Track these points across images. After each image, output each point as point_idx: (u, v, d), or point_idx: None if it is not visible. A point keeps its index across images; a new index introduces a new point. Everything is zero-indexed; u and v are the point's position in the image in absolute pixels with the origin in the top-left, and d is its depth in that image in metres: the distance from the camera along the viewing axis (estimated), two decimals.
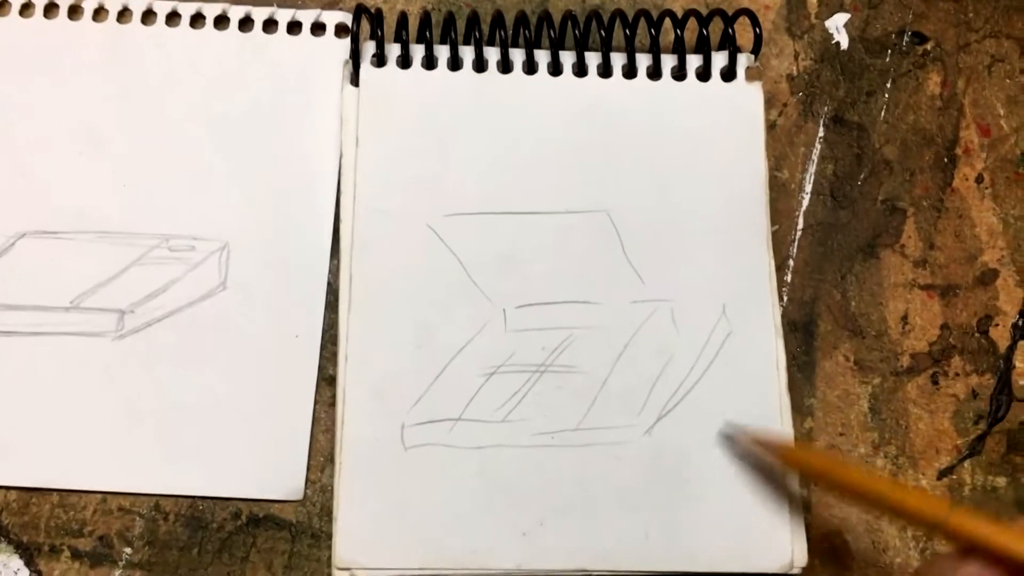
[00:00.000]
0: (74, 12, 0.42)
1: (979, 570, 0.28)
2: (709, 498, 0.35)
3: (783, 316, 0.39)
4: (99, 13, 0.42)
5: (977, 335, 0.40)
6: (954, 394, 0.39)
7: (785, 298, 0.40)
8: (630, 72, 0.40)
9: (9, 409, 0.36)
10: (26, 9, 0.41)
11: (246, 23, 0.42)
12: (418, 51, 0.40)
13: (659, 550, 0.35)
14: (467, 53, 0.40)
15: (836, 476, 0.33)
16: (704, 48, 0.40)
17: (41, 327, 0.37)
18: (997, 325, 0.40)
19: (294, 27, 0.42)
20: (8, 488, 0.36)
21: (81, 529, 0.36)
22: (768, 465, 0.36)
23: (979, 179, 0.42)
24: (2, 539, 0.35)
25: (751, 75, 0.41)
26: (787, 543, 0.35)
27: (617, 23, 0.40)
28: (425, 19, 0.40)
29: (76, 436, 0.36)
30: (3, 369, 0.37)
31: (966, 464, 0.38)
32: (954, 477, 0.38)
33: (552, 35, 0.40)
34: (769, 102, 0.42)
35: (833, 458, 0.34)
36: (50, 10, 0.41)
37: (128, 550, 0.35)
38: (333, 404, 0.37)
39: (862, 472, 0.33)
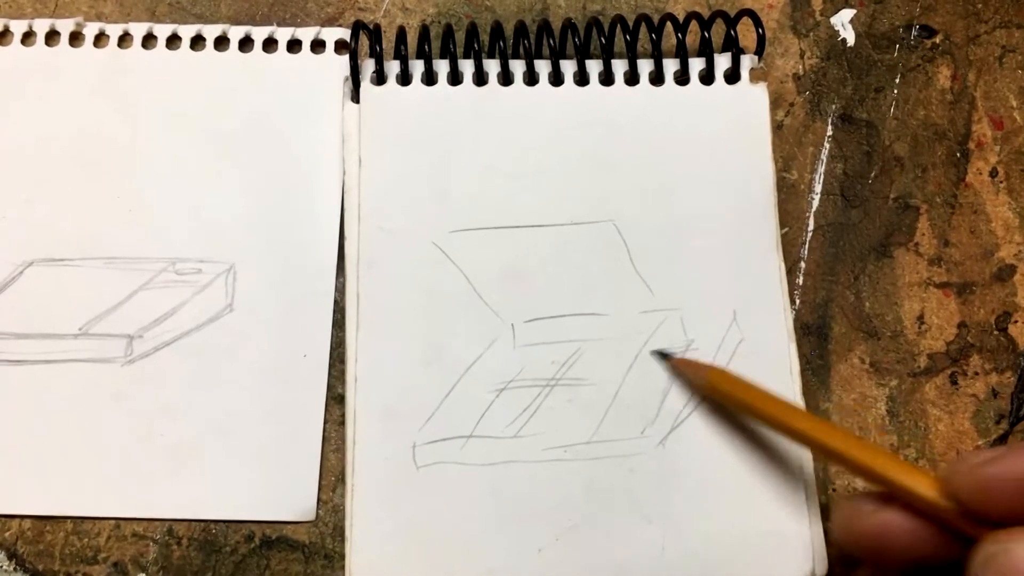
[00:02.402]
0: (75, 39, 0.42)
1: (897, 517, 0.28)
2: (725, 508, 0.35)
3: (796, 319, 0.39)
4: (100, 39, 0.42)
5: (995, 333, 0.39)
6: (974, 394, 0.38)
7: (797, 301, 0.39)
8: (632, 79, 0.40)
9: (20, 438, 0.36)
10: (28, 37, 0.42)
11: (246, 43, 0.42)
12: (418, 67, 0.40)
13: (676, 563, 0.34)
14: (467, 67, 0.40)
15: (747, 403, 0.33)
16: (707, 51, 0.40)
17: (50, 355, 0.37)
18: (1016, 322, 0.39)
19: (294, 45, 0.42)
20: (22, 517, 0.36)
21: (95, 556, 0.36)
22: (695, 388, 0.36)
23: (993, 173, 0.41)
24: (17, 568, 0.36)
25: (755, 76, 0.40)
26: (807, 551, 0.35)
27: (618, 29, 0.39)
28: (424, 33, 0.39)
29: (88, 463, 0.36)
30: (14, 398, 0.37)
31: None
32: None
33: (552, 44, 0.39)
34: (775, 102, 0.42)
35: (746, 384, 0.34)
36: (51, 37, 0.42)
37: (143, 575, 0.35)
38: (343, 423, 0.37)
39: (771, 399, 0.33)
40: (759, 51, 0.40)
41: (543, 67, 0.40)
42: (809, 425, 0.31)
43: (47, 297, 0.38)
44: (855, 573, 0.33)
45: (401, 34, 0.39)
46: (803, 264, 0.40)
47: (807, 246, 0.40)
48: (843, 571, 0.35)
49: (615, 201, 0.38)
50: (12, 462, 0.36)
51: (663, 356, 0.36)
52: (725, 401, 0.35)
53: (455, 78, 0.40)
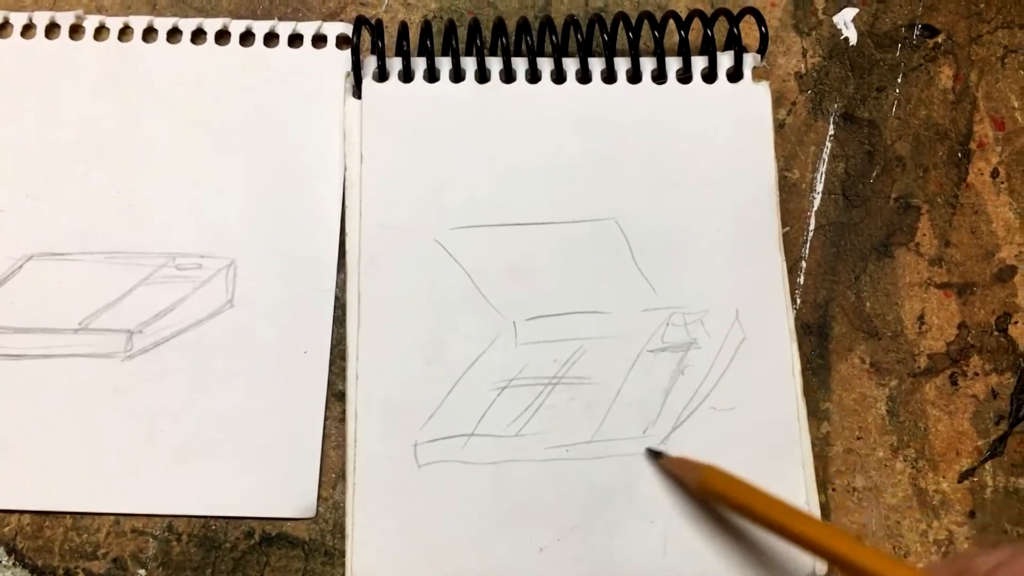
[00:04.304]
0: (75, 32, 0.41)
1: None
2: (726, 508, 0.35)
3: (796, 319, 0.39)
4: (100, 32, 0.41)
5: (996, 333, 0.39)
6: (973, 394, 0.39)
7: (798, 300, 0.39)
8: (634, 76, 0.40)
9: (20, 433, 0.36)
10: (28, 30, 0.41)
11: (247, 37, 0.42)
12: (420, 63, 0.39)
13: (678, 562, 0.34)
14: (469, 64, 0.39)
15: (745, 504, 0.32)
16: (709, 49, 0.40)
17: (50, 350, 0.37)
18: (1016, 323, 0.39)
19: (295, 40, 0.42)
20: (21, 512, 0.36)
21: (95, 552, 0.36)
22: (686, 487, 0.35)
23: (994, 173, 0.41)
24: (17, 563, 0.35)
25: (758, 75, 0.40)
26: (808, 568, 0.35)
27: (620, 27, 0.39)
28: (426, 28, 0.39)
29: (87, 458, 0.36)
30: (13, 393, 0.37)
31: (987, 466, 0.38)
32: (975, 479, 0.38)
33: (555, 41, 0.39)
34: (778, 101, 0.42)
35: (743, 485, 0.32)
36: (51, 30, 0.41)
37: (142, 572, 0.35)
38: (343, 420, 0.37)
39: (770, 501, 0.31)
40: (762, 49, 0.40)
41: (545, 65, 0.40)
42: (812, 530, 0.29)
43: (47, 291, 0.38)
44: None
45: (403, 30, 0.39)
46: (804, 263, 0.40)
47: (808, 245, 0.40)
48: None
49: (617, 199, 0.38)
50: (11, 457, 0.36)
51: (654, 455, 0.35)
52: (719, 501, 0.34)
53: (457, 75, 0.39)
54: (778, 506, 0.31)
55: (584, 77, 0.40)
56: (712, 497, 0.34)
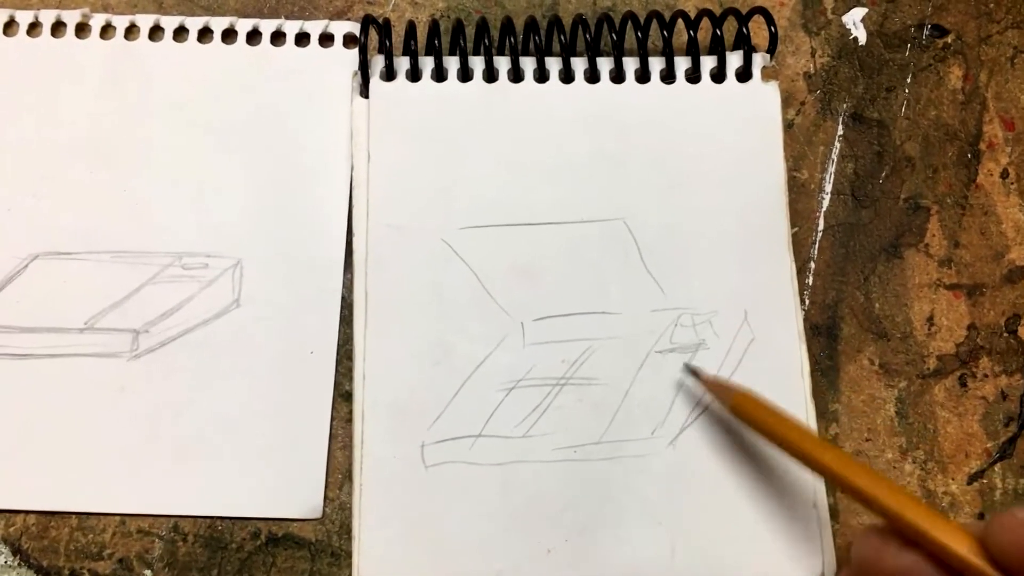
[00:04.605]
0: (81, 30, 0.41)
1: (921, 563, 0.26)
2: (736, 510, 0.35)
3: (805, 320, 0.39)
4: (106, 30, 0.41)
5: (1005, 335, 0.39)
6: (983, 396, 0.38)
7: (807, 301, 0.39)
8: (643, 76, 0.40)
9: (25, 432, 0.36)
10: (33, 28, 0.41)
11: (254, 36, 0.42)
12: (427, 63, 0.39)
13: (686, 564, 0.34)
14: (477, 63, 0.39)
15: (772, 430, 0.32)
16: (718, 49, 0.40)
17: (56, 349, 0.37)
18: None
19: (302, 39, 0.42)
20: (27, 512, 0.36)
21: (101, 552, 0.35)
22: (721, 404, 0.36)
23: (1004, 174, 0.41)
24: (22, 564, 0.35)
25: (767, 74, 0.40)
26: (816, 552, 0.35)
27: (628, 26, 0.39)
28: (433, 28, 0.39)
29: (93, 458, 0.36)
30: (19, 392, 0.37)
31: (997, 468, 0.38)
32: (984, 481, 0.37)
33: (563, 40, 0.39)
34: (786, 101, 0.42)
35: (773, 412, 0.33)
36: (57, 28, 0.41)
37: (148, 572, 0.35)
38: (350, 420, 0.36)
39: (801, 432, 0.32)
40: (771, 49, 0.40)
41: (553, 64, 0.39)
42: (838, 462, 0.30)
43: (52, 291, 0.38)
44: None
45: (411, 29, 0.39)
46: (813, 264, 0.40)
47: (817, 246, 0.40)
48: None
49: (625, 199, 0.38)
50: (17, 457, 0.36)
51: (692, 372, 0.36)
52: (751, 425, 0.34)
53: (465, 74, 0.39)
54: (805, 435, 0.32)
55: (592, 77, 0.39)
56: (744, 419, 0.34)
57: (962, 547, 0.26)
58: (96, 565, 0.35)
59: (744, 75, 0.40)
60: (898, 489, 0.28)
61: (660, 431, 0.36)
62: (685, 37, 0.40)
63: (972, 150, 0.41)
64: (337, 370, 0.37)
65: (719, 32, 0.39)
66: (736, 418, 0.35)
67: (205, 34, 0.41)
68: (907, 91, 0.42)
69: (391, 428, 0.35)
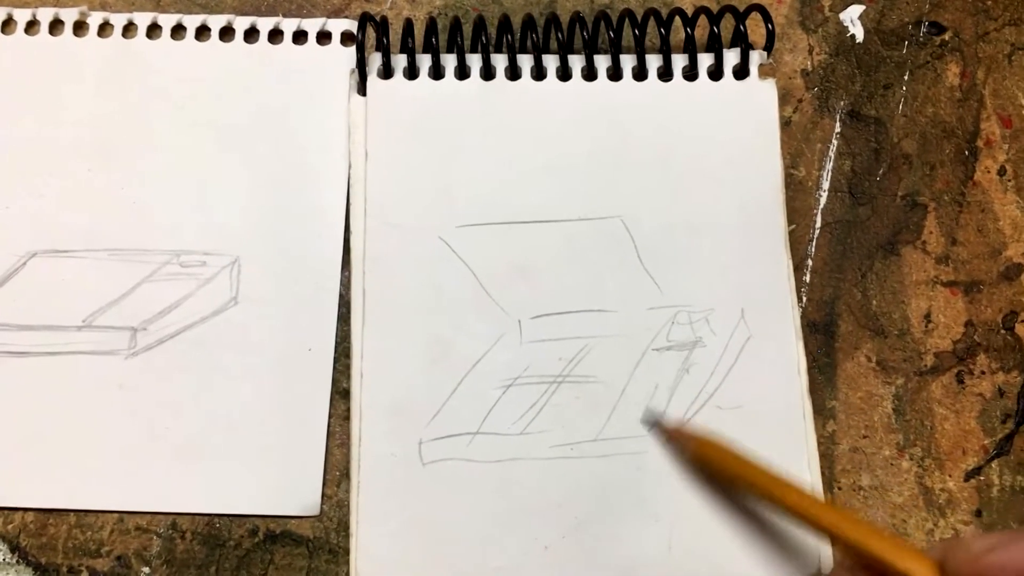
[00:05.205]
0: (79, 28, 0.41)
1: None
2: None
3: (802, 317, 0.39)
4: (104, 28, 0.41)
5: (1003, 332, 0.39)
6: (980, 393, 0.38)
7: (804, 298, 0.39)
8: (640, 74, 0.40)
9: (23, 430, 0.36)
10: (31, 26, 0.41)
11: (251, 34, 0.42)
12: (425, 60, 0.39)
13: (682, 561, 0.34)
14: (474, 61, 0.39)
15: (735, 473, 0.32)
16: (716, 46, 0.40)
17: (54, 347, 0.37)
18: (1023, 321, 0.39)
19: (300, 36, 0.42)
20: (25, 510, 0.36)
21: (99, 549, 0.36)
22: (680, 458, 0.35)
23: (1001, 171, 0.41)
24: (20, 561, 0.35)
25: (764, 72, 0.40)
26: (815, 550, 0.35)
27: (626, 23, 0.39)
28: (431, 25, 0.39)
29: (91, 456, 0.36)
30: (17, 390, 0.37)
31: (994, 464, 0.38)
32: (981, 478, 0.37)
33: (560, 38, 0.39)
34: (784, 98, 0.42)
35: (734, 456, 0.32)
36: (55, 27, 0.41)
37: (146, 569, 0.35)
38: (347, 418, 0.36)
39: (764, 474, 0.31)
40: (768, 46, 0.40)
41: (551, 62, 0.40)
42: (799, 501, 0.29)
43: (50, 288, 0.38)
44: None
45: (408, 27, 0.39)
46: (810, 262, 0.40)
47: (814, 243, 0.40)
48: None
49: (623, 197, 0.38)
50: (15, 455, 0.36)
51: (652, 422, 0.35)
52: (715, 474, 0.33)
53: (462, 72, 0.39)
54: (772, 479, 0.31)
55: (590, 74, 0.39)
56: (707, 468, 0.33)
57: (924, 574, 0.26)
58: (94, 562, 0.35)
59: (741, 72, 0.40)
60: (863, 522, 0.28)
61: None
62: (682, 34, 0.40)
63: (969, 147, 0.41)
64: (335, 367, 0.37)
65: (716, 29, 0.39)
66: (697, 468, 0.34)
67: (203, 32, 0.41)
68: (904, 88, 0.42)
69: (389, 425, 0.35)
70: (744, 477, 0.31)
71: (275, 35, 0.42)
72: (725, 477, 0.33)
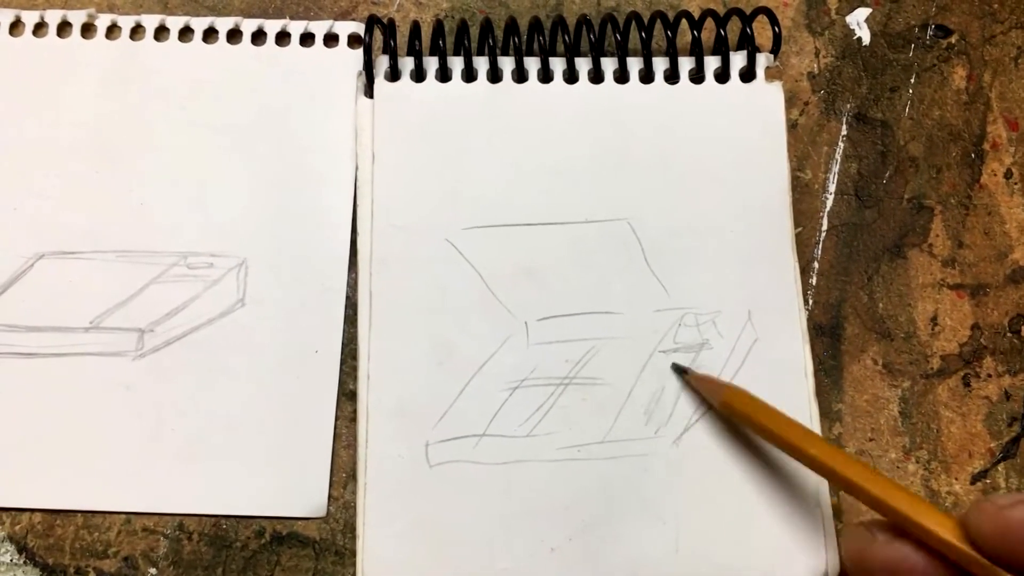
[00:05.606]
0: (87, 30, 0.41)
1: (910, 551, 0.27)
2: (739, 509, 0.35)
3: (809, 319, 0.39)
4: (112, 30, 0.42)
5: (1009, 335, 0.39)
6: (986, 396, 0.38)
7: (810, 301, 0.39)
8: (647, 76, 0.40)
9: (31, 431, 0.36)
10: (39, 28, 0.41)
11: (259, 36, 0.42)
12: (432, 63, 0.39)
13: (689, 563, 0.34)
14: (481, 63, 0.39)
15: (763, 425, 0.33)
16: (722, 49, 0.40)
17: (61, 348, 0.37)
18: None
19: (307, 39, 0.42)
20: (32, 510, 0.36)
21: (106, 550, 0.36)
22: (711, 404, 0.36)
23: (1008, 174, 0.41)
24: (28, 562, 0.35)
25: (771, 75, 0.40)
26: (820, 551, 0.35)
27: (632, 26, 0.39)
28: (438, 28, 0.39)
29: (98, 457, 0.36)
30: (24, 391, 0.37)
31: (1000, 467, 0.38)
32: (988, 481, 0.37)
33: (567, 40, 0.39)
34: (790, 101, 0.42)
35: (763, 406, 0.33)
36: (63, 29, 0.41)
37: (153, 570, 0.35)
38: (354, 419, 0.37)
39: (793, 425, 0.32)
40: (775, 49, 0.40)
41: (557, 64, 0.40)
42: (825, 454, 0.31)
43: (57, 290, 0.38)
44: None
45: (415, 29, 0.39)
46: (816, 264, 0.40)
47: (820, 246, 0.40)
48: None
49: (629, 200, 0.38)
50: (22, 456, 0.36)
51: (680, 371, 0.36)
52: (740, 421, 0.35)
53: (469, 75, 0.39)
54: (795, 428, 0.32)
55: (596, 77, 0.40)
56: (733, 416, 0.35)
57: (946, 532, 0.27)
58: (101, 563, 0.35)
59: (748, 75, 0.40)
60: (886, 479, 0.29)
61: (664, 430, 0.36)
62: (689, 37, 0.40)
63: (976, 150, 0.41)
64: (341, 369, 0.37)
65: (723, 32, 0.39)
66: (726, 414, 0.35)
67: (210, 34, 0.42)
68: (911, 91, 0.42)
69: (395, 427, 0.35)
70: (771, 427, 0.33)
71: (282, 37, 0.42)
72: (752, 425, 0.34)
